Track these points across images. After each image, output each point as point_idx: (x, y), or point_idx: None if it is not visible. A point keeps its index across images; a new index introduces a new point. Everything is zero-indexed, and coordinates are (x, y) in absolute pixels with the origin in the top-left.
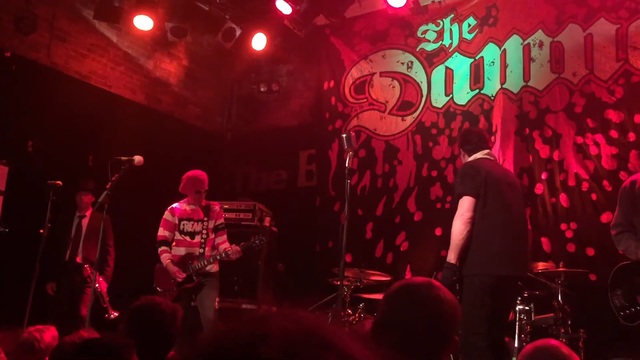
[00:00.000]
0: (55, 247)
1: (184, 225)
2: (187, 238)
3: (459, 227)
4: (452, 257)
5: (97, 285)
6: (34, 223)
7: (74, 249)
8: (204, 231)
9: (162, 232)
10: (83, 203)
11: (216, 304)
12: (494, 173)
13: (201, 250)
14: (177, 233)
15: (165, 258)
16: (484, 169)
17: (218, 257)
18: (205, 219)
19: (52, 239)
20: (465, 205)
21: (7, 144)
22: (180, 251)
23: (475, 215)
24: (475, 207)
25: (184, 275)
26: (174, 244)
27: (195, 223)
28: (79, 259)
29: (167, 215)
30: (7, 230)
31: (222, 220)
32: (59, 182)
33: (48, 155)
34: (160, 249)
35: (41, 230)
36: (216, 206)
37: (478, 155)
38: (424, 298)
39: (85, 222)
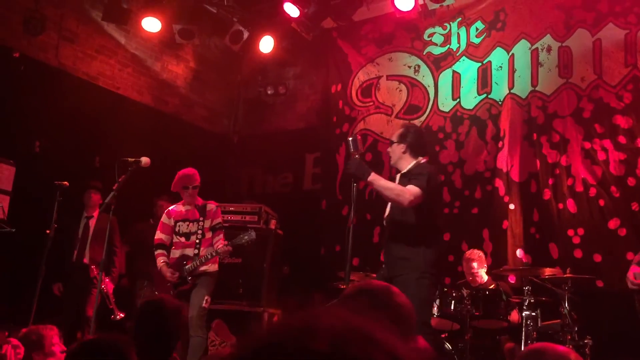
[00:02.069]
0: (62, 248)
1: (179, 226)
2: (183, 239)
3: (399, 194)
4: (374, 177)
5: (103, 286)
6: (40, 223)
7: (81, 250)
8: (200, 231)
9: (158, 235)
10: (91, 201)
11: (204, 302)
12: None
13: (196, 251)
14: (174, 235)
15: (160, 261)
16: (438, 179)
17: (209, 257)
18: (201, 218)
19: (59, 239)
20: (416, 193)
21: (15, 144)
22: (176, 253)
23: (424, 218)
24: (419, 203)
25: (177, 274)
26: (173, 247)
27: (191, 223)
28: (85, 260)
29: (164, 218)
30: (13, 230)
31: (219, 220)
32: (65, 182)
33: (55, 155)
34: (156, 252)
35: (47, 231)
36: (213, 205)
37: (424, 161)
38: (384, 301)
39: (92, 222)
